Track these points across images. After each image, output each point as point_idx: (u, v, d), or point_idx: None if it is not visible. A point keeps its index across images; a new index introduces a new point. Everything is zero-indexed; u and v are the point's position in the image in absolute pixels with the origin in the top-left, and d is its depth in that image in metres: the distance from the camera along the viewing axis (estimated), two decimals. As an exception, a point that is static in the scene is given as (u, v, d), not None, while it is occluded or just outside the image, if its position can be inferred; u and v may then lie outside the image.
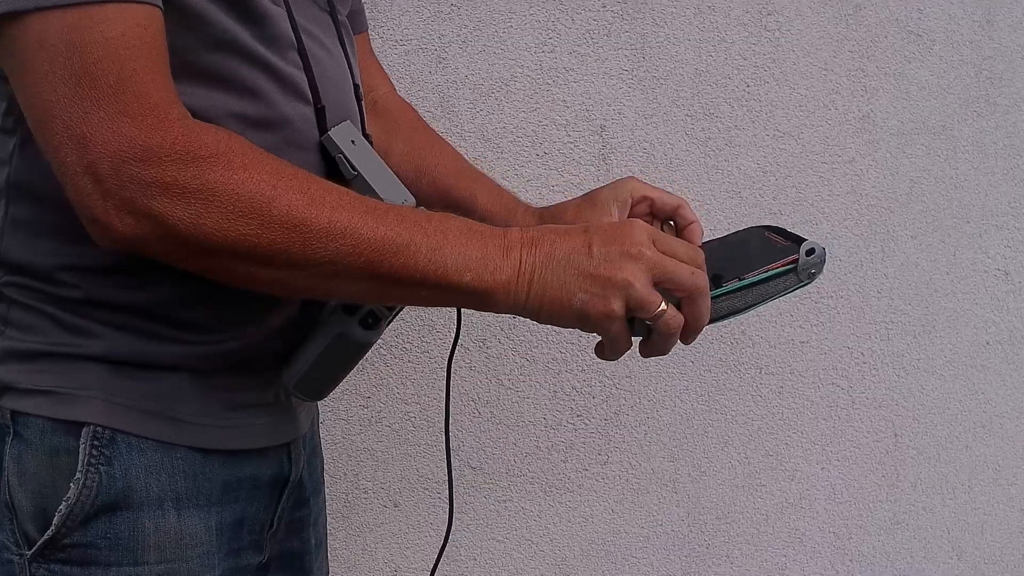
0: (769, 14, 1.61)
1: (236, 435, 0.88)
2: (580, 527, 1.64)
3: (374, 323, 0.88)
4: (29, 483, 0.81)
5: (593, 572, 1.66)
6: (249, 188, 0.71)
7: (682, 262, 0.79)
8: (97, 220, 0.71)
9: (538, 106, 1.55)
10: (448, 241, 0.76)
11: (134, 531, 0.82)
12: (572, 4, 1.54)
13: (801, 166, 1.66)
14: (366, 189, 0.87)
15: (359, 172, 0.87)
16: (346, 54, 0.96)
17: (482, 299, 0.78)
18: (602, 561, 1.66)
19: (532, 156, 1.55)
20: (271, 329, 0.88)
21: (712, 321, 0.83)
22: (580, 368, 1.61)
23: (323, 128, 0.88)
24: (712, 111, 1.61)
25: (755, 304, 0.84)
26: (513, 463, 1.61)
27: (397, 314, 0.95)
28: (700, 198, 1.60)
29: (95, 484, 0.81)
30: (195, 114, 0.76)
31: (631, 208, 1.01)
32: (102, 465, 0.81)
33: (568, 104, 1.56)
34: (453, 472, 1.56)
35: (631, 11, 1.56)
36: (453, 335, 1.01)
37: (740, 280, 0.83)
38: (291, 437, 0.96)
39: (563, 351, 1.60)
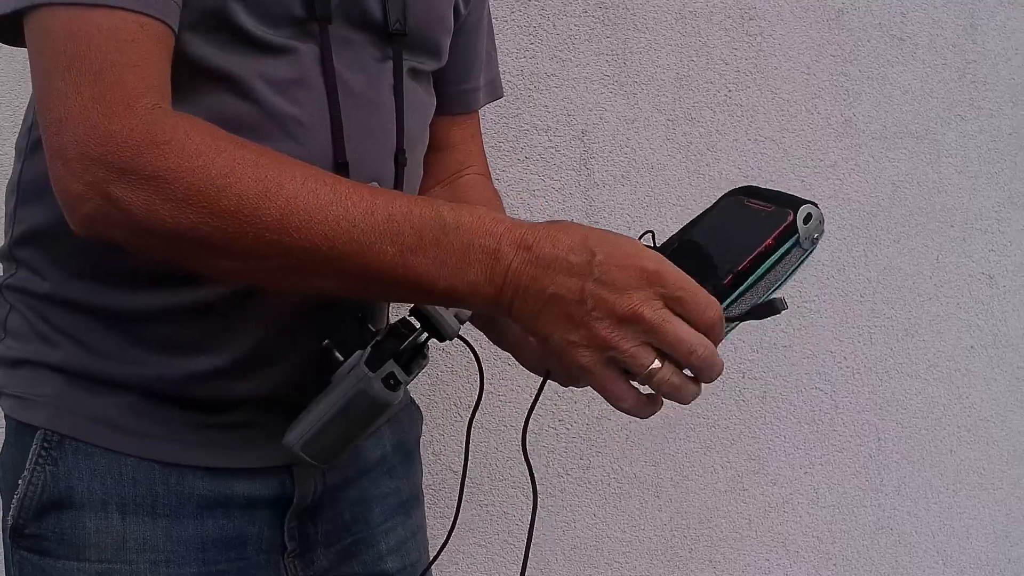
0: (751, 19, 1.61)
1: (192, 452, 0.89)
2: (562, 532, 1.65)
3: (395, 384, 0.85)
4: (8, 476, 0.90)
5: (576, 577, 1.66)
6: (199, 176, 0.70)
7: (692, 327, 0.72)
8: (67, 203, 0.73)
9: (519, 111, 1.55)
10: (424, 244, 0.71)
11: (75, 529, 0.87)
12: (553, 9, 1.54)
13: (783, 170, 1.66)
14: None
15: None
16: (399, 109, 0.92)
17: (460, 304, 0.74)
18: (584, 566, 1.66)
19: (514, 161, 1.55)
20: (226, 359, 0.87)
21: (730, 326, 0.73)
22: (562, 373, 1.61)
23: None
24: (694, 116, 1.61)
25: (769, 293, 0.73)
26: (495, 468, 1.61)
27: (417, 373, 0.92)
28: (681, 203, 1.60)
29: (39, 482, 0.88)
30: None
31: None
32: (48, 465, 0.88)
33: (549, 109, 1.56)
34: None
35: (612, 16, 1.56)
36: (477, 390, 0.98)
37: (741, 281, 0.72)
38: (280, 462, 0.93)
39: (545, 356, 1.60)
